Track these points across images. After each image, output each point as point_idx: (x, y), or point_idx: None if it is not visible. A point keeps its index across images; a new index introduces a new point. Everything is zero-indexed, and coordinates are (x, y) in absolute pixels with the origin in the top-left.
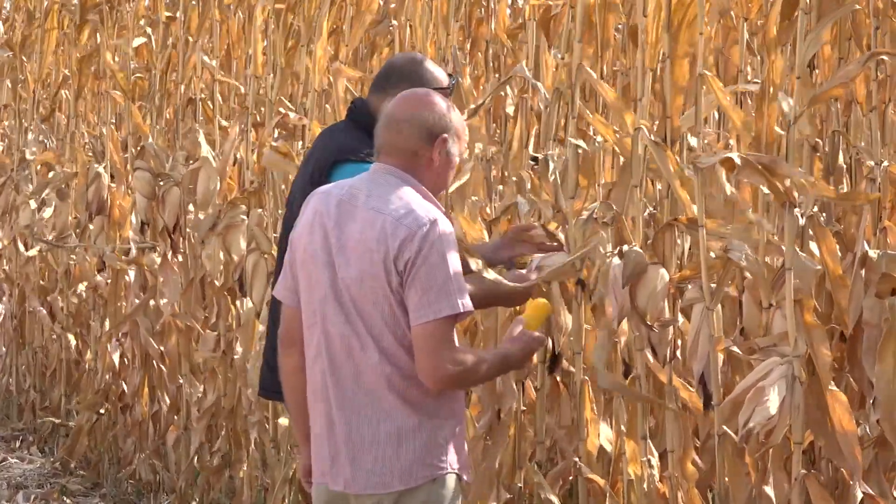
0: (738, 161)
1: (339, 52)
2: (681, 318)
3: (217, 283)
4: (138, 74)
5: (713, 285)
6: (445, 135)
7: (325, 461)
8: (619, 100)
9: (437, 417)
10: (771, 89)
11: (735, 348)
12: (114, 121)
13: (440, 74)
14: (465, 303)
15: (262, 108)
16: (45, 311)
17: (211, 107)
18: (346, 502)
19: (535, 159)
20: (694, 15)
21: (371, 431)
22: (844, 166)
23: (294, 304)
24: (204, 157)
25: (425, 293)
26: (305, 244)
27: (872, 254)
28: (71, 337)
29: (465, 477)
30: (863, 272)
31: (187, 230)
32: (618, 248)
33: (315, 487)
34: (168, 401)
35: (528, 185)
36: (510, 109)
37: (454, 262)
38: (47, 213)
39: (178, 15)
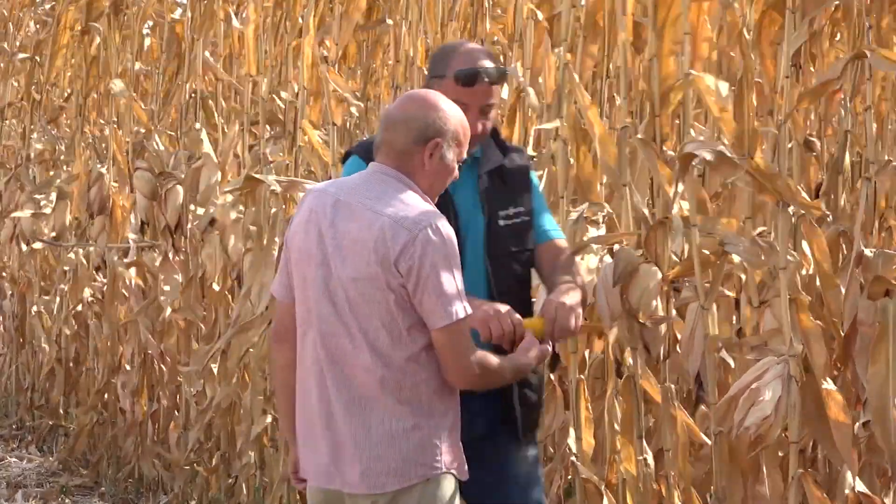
0: (708, 157)
1: (331, 53)
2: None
3: (216, 286)
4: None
5: (707, 284)
6: (439, 139)
7: (319, 461)
8: (595, 108)
9: (431, 417)
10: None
11: (726, 355)
12: (115, 119)
13: (463, 60)
14: (468, 305)
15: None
16: (44, 311)
17: (213, 106)
18: (341, 502)
19: (532, 157)
20: (678, 13)
21: (365, 432)
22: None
23: (287, 299)
24: (206, 154)
25: (440, 297)
26: (300, 243)
27: (868, 253)
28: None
29: (461, 476)
30: (859, 272)
31: (188, 228)
32: (608, 247)
33: (309, 488)
34: (166, 400)
35: None
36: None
37: (457, 265)
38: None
39: (178, 15)
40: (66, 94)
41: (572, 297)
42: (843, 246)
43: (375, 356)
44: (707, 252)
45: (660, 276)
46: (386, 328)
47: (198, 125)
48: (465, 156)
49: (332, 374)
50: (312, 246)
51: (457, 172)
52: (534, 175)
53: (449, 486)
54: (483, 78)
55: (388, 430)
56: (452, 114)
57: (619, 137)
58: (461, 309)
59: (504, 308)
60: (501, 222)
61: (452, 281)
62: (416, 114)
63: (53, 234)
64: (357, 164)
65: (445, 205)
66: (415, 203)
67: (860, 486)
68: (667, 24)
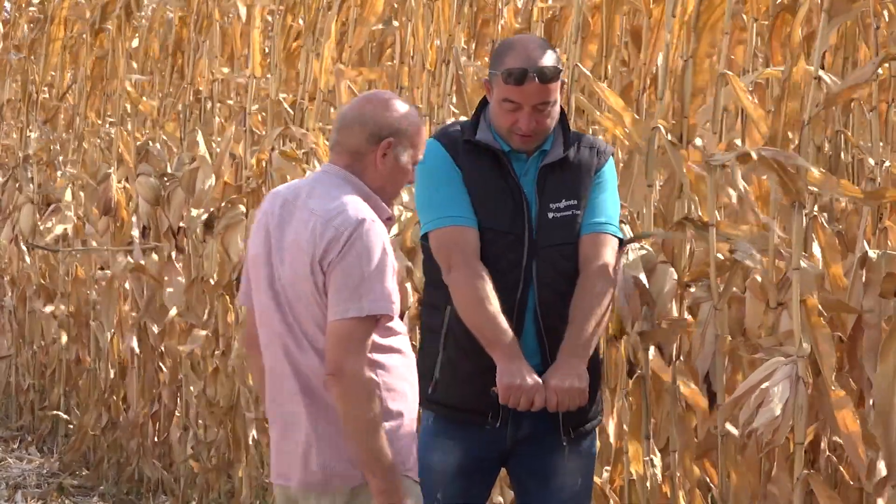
0: (754, 156)
1: (343, 55)
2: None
3: (212, 280)
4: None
5: (721, 285)
6: (392, 139)
7: (278, 459)
8: (619, 99)
9: (384, 420)
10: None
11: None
12: (124, 114)
13: (514, 58)
14: (379, 307)
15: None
16: (46, 311)
17: (212, 106)
18: (306, 500)
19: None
20: (720, 16)
21: (313, 431)
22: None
23: (252, 305)
24: (201, 157)
25: (337, 291)
26: (252, 246)
27: (872, 254)
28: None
29: (413, 478)
30: (863, 272)
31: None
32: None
33: (275, 486)
34: (167, 401)
35: None
36: None
37: (375, 264)
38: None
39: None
40: (61, 94)
41: (572, 372)
42: (841, 248)
43: (319, 358)
44: (721, 256)
45: (676, 277)
46: (322, 330)
47: (198, 127)
48: (420, 158)
49: (284, 375)
50: (260, 248)
51: (412, 176)
52: (606, 170)
53: (409, 489)
54: (532, 77)
55: (336, 431)
56: (407, 115)
57: (650, 137)
58: (357, 308)
59: (533, 382)
60: (551, 214)
61: (360, 280)
62: (371, 113)
63: (58, 232)
64: (434, 147)
65: (519, 200)
66: (352, 203)
67: (869, 489)
68: (706, 28)
